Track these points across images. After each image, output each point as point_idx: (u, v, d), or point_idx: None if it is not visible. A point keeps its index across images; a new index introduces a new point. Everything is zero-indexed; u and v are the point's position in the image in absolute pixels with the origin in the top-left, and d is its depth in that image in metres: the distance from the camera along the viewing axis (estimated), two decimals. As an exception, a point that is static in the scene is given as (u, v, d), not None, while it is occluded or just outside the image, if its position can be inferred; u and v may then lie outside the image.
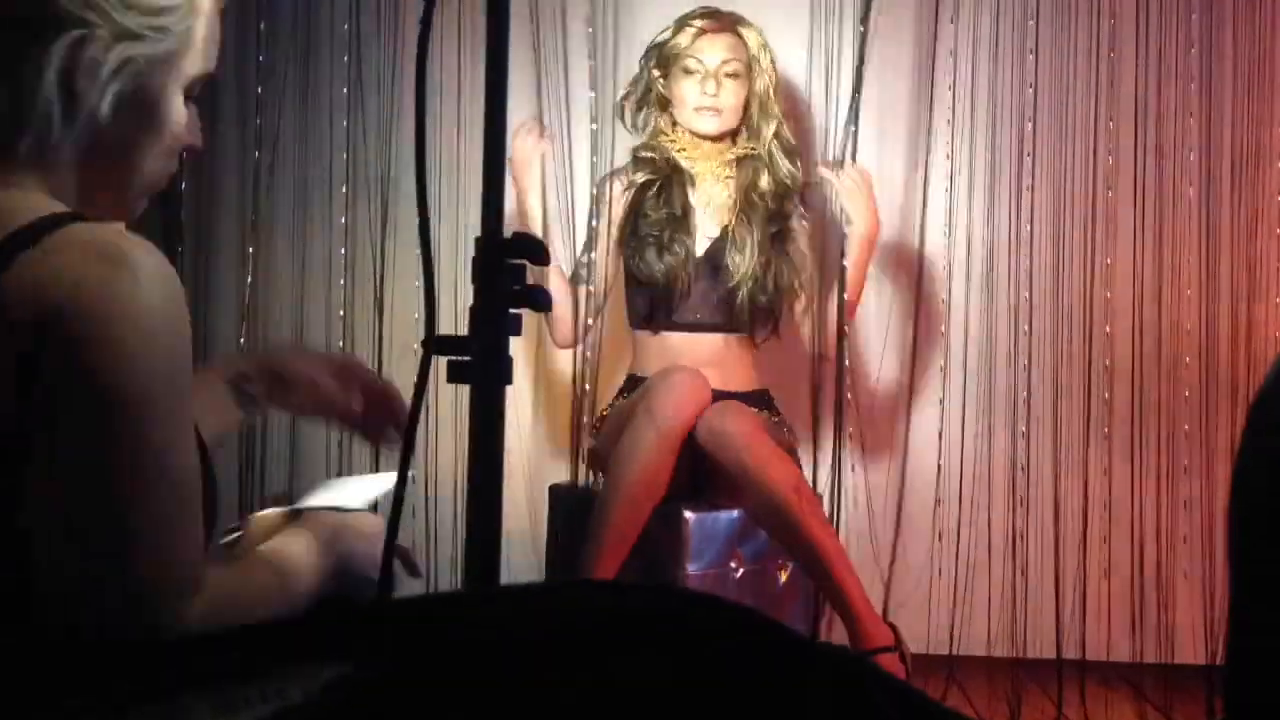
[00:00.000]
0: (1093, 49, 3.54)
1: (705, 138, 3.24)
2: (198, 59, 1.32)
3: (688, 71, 3.19)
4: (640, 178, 3.23)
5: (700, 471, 3.04)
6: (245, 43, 3.55)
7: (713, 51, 3.19)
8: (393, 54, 3.53)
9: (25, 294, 1.11)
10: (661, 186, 3.23)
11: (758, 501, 2.94)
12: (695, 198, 3.26)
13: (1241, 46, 3.54)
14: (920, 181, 3.59)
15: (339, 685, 0.71)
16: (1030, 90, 3.55)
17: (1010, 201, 3.57)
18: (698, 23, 3.21)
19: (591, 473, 3.25)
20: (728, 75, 3.19)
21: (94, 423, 1.11)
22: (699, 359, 3.16)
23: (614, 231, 3.26)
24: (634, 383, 3.23)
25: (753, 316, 3.21)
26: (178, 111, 1.33)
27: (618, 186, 3.27)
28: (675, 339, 3.22)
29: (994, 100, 3.58)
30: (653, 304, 3.24)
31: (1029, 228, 3.56)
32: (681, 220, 3.21)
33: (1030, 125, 3.55)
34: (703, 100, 3.19)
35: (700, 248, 3.23)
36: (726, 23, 3.22)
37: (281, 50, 3.55)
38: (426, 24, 1.38)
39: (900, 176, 3.62)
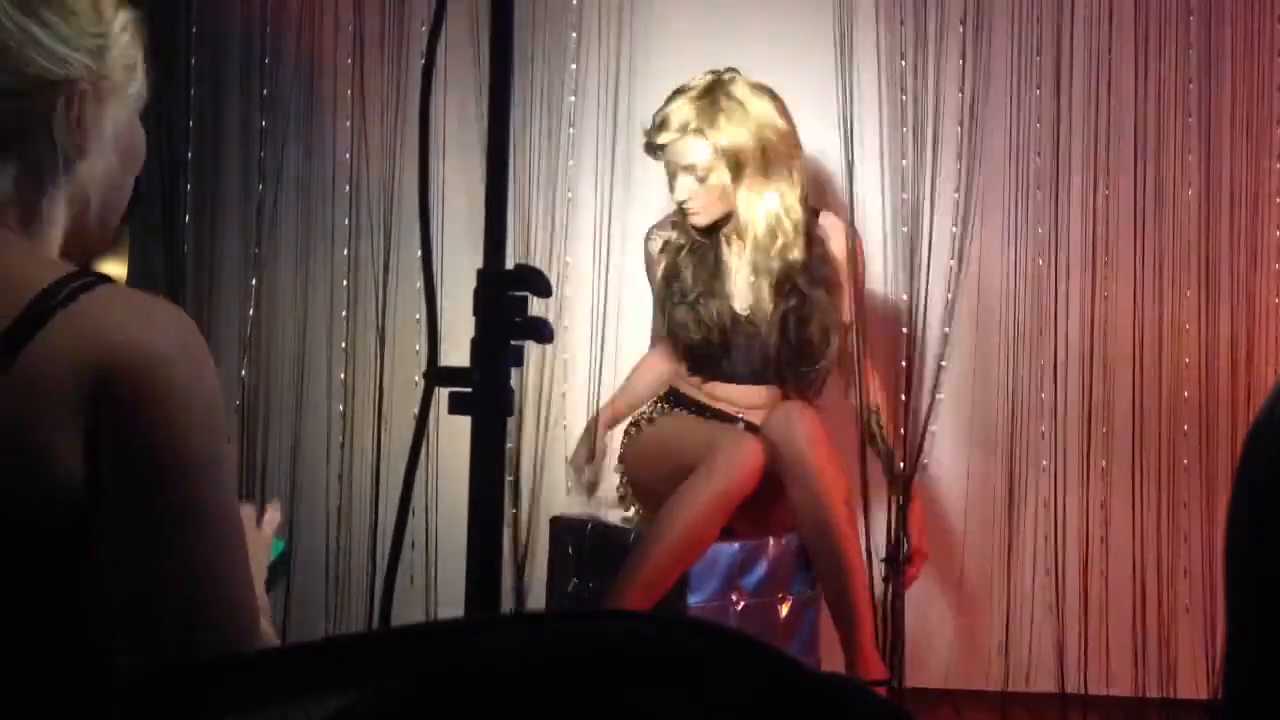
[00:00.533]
0: (1090, 86, 3.56)
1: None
2: (143, 86, 1.33)
3: (666, 169, 3.14)
4: (677, 236, 3.23)
5: None
6: (249, 75, 3.57)
7: (675, 156, 3.10)
8: (397, 86, 3.55)
9: (74, 355, 1.12)
10: (694, 246, 3.20)
11: (808, 498, 2.95)
12: (731, 256, 3.22)
13: (1240, 83, 3.55)
14: (919, 215, 3.59)
15: (342, 713, 0.72)
16: (1037, 125, 3.56)
17: (1011, 236, 3.58)
18: (667, 123, 3.08)
19: (620, 482, 3.25)
20: (698, 179, 3.09)
21: (166, 483, 1.13)
22: (746, 405, 3.18)
23: (656, 288, 3.26)
24: (678, 398, 3.24)
25: (784, 375, 3.21)
26: (143, 141, 1.34)
27: (655, 244, 3.26)
28: (722, 389, 3.23)
29: (996, 136, 3.59)
30: (693, 360, 3.24)
31: (1029, 262, 3.56)
32: (715, 280, 3.18)
33: (1037, 159, 3.56)
34: (678, 199, 3.13)
35: (741, 305, 3.19)
36: (700, 120, 3.07)
37: (285, 83, 3.57)
38: (430, 58, 1.40)
39: (903, 209, 3.63)
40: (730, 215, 3.17)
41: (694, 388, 3.24)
